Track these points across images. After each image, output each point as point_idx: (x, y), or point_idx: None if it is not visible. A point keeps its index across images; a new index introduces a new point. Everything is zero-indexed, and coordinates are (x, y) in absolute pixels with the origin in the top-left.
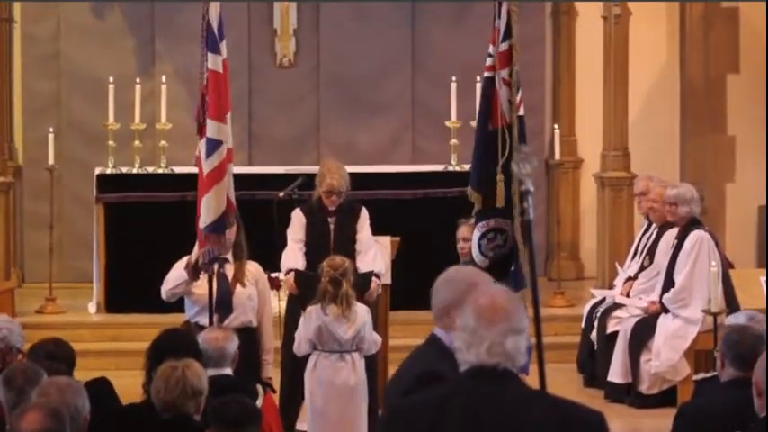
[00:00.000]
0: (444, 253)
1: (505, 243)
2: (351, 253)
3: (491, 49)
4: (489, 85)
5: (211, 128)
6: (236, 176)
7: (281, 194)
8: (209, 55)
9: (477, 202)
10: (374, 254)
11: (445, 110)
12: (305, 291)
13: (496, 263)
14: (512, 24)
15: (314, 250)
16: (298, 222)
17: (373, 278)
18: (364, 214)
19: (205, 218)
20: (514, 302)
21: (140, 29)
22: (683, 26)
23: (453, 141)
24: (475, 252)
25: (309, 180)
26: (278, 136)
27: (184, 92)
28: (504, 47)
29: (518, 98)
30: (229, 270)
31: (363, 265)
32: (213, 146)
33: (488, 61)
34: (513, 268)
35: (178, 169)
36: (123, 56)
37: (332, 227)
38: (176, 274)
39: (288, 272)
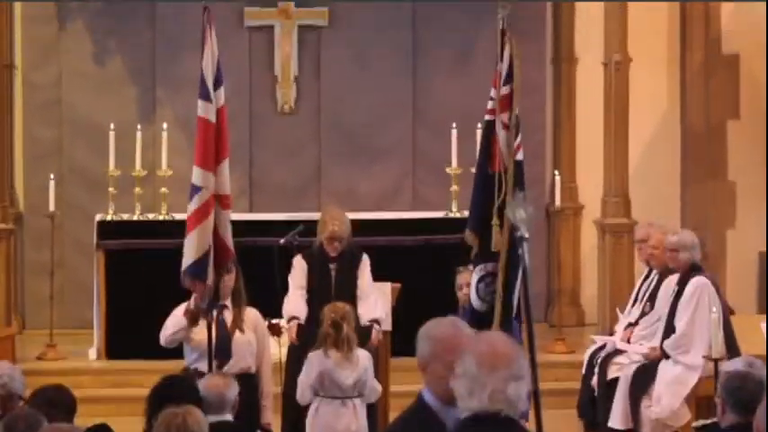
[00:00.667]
0: (444, 299)
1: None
2: (352, 299)
3: (492, 92)
4: (489, 128)
5: (195, 174)
6: (237, 223)
7: (282, 241)
8: (199, 102)
9: (474, 245)
10: (375, 299)
11: (445, 156)
12: (306, 341)
13: (494, 308)
14: (513, 68)
15: (315, 296)
16: (299, 269)
17: (374, 326)
18: (365, 261)
19: (185, 260)
20: (514, 349)
21: (141, 76)
22: (683, 72)
23: (454, 188)
24: (473, 296)
25: (310, 227)
26: (279, 182)
27: (185, 139)
28: (505, 90)
29: (516, 142)
30: (228, 316)
31: (364, 310)
32: (195, 191)
33: (489, 104)
34: (514, 315)
35: (179, 216)
36: (124, 103)
37: (333, 273)
38: (175, 320)
39: (290, 319)
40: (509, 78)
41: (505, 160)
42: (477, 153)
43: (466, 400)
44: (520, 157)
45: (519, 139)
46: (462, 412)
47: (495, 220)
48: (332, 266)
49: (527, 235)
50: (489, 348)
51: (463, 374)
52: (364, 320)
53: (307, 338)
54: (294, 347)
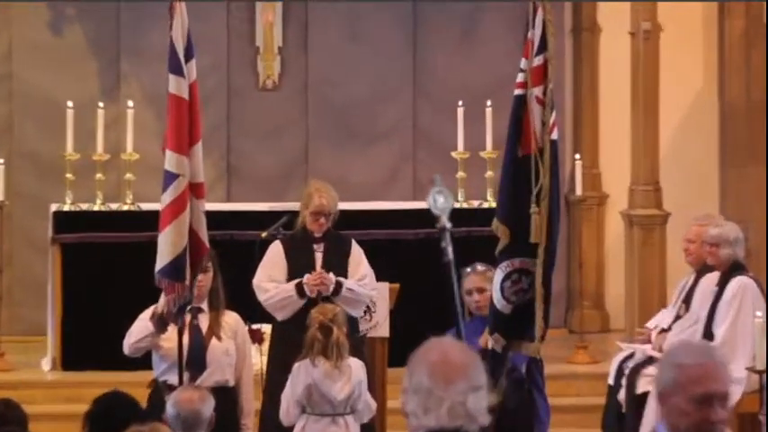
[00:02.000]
0: (450, 302)
1: (530, 287)
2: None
3: (523, 63)
4: (520, 104)
5: (169, 160)
6: (213, 214)
7: (264, 234)
8: (171, 77)
9: (504, 237)
10: (369, 280)
11: (451, 139)
12: (286, 347)
13: (520, 309)
14: (547, 36)
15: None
16: (275, 257)
17: (341, 283)
18: (357, 249)
19: (160, 259)
20: (469, 356)
21: (104, 47)
22: (721, 44)
23: (460, 174)
24: (497, 296)
25: (296, 218)
26: (260, 168)
27: (153, 118)
28: (537, 61)
29: (552, 119)
30: (203, 321)
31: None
32: (169, 179)
33: (520, 77)
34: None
35: (146, 206)
36: (84, 77)
37: (318, 255)
38: (141, 325)
39: (298, 285)
40: (542, 47)
41: (539, 140)
42: (508, 133)
43: (420, 418)
44: (555, 136)
45: (554, 115)
46: (417, 431)
47: (533, 208)
48: (317, 247)
49: (449, 225)
50: (441, 357)
51: (415, 390)
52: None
53: (288, 344)
54: (275, 357)
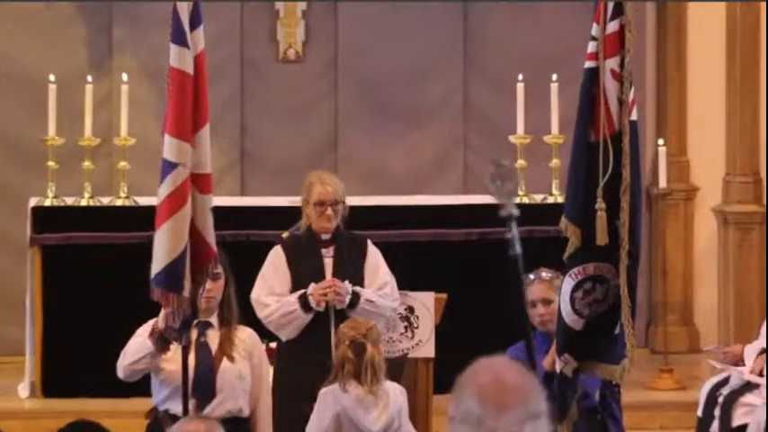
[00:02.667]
0: (508, 316)
1: (606, 297)
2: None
3: (594, 29)
4: (592, 79)
5: (168, 147)
6: (223, 211)
7: (285, 235)
8: (173, 48)
9: (574, 238)
10: (391, 290)
11: (509, 121)
12: (297, 368)
13: (593, 324)
14: None
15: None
16: (275, 265)
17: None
18: (375, 252)
19: (154, 265)
20: (527, 378)
21: (93, 11)
22: None
23: (520, 162)
24: (566, 308)
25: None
26: (280, 156)
27: (153, 95)
28: (612, 27)
29: (631, 97)
30: (212, 338)
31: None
32: (167, 169)
33: (591, 47)
34: (616, 331)
35: (144, 200)
36: (70, 47)
37: (328, 261)
38: (139, 343)
39: (301, 297)
40: (617, 11)
41: (616, 121)
42: (577, 114)
43: None
44: (635, 116)
45: (633, 92)
46: None
47: (599, 204)
48: (325, 252)
49: (516, 213)
50: (493, 379)
51: (462, 419)
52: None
53: (298, 364)
54: (284, 384)
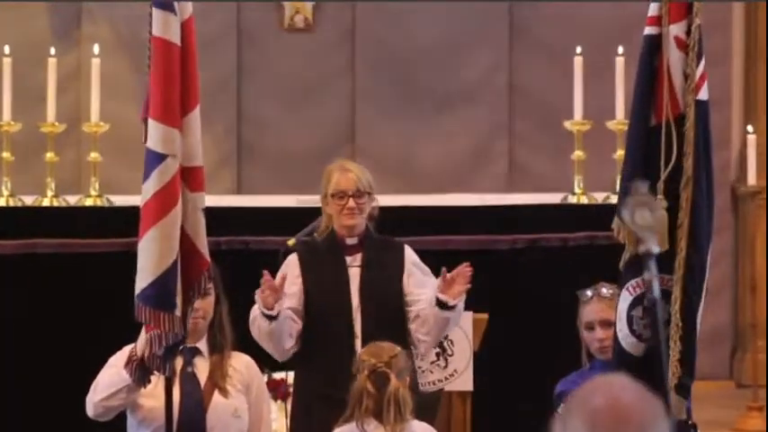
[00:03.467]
0: (563, 339)
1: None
2: (396, 320)
3: None
4: (652, 48)
5: (152, 134)
6: (217, 212)
7: (292, 242)
8: (155, 12)
9: (628, 243)
10: None
11: (563, 103)
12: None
13: (658, 350)
14: None
15: (321, 315)
16: (283, 274)
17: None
18: (414, 258)
19: (140, 279)
20: (649, 403)
21: None
22: None
23: (577, 154)
24: (623, 330)
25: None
26: (286, 146)
27: (130, 71)
28: None
29: (699, 71)
30: (202, 368)
31: (419, 325)
32: (154, 161)
33: (652, 9)
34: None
35: (120, 200)
36: (30, 14)
37: (353, 271)
38: (112, 375)
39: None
40: None
41: (681, 101)
42: (633, 92)
43: None
44: (704, 95)
45: (702, 65)
46: None
47: (659, 201)
48: (350, 260)
49: (656, 250)
50: (608, 403)
51: None
52: (419, 333)
53: (310, 399)
54: (296, 417)
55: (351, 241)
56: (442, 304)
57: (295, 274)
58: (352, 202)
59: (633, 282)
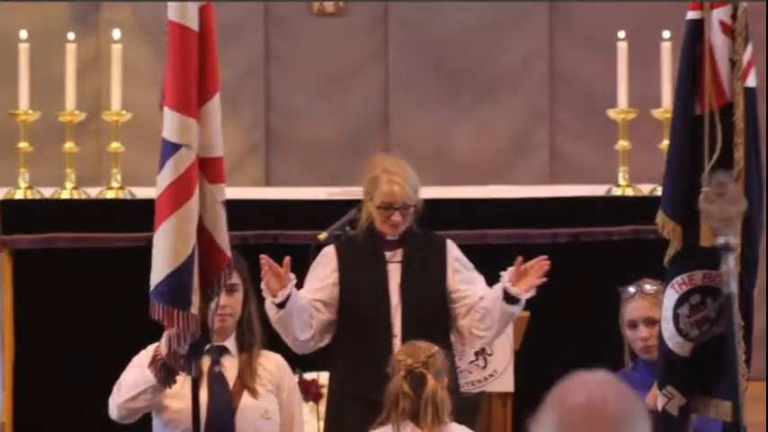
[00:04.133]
0: (606, 338)
1: (720, 315)
2: (437, 319)
3: None
4: (695, 33)
5: (168, 123)
6: (243, 205)
7: (323, 236)
8: None
9: (675, 238)
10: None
11: (607, 89)
12: (343, 407)
13: (705, 350)
14: None
15: (358, 312)
16: (323, 269)
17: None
18: (458, 254)
19: (154, 273)
20: (628, 402)
21: None
22: None
23: (622, 144)
24: (669, 330)
25: (359, 213)
26: (316, 135)
27: (153, 57)
28: None
29: (746, 57)
30: (230, 367)
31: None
32: (169, 151)
33: None
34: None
35: (142, 192)
36: None
37: (393, 267)
38: (137, 375)
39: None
40: None
41: (727, 89)
42: (677, 80)
43: None
44: (752, 82)
45: (749, 50)
46: None
47: (705, 192)
48: (390, 256)
49: (734, 243)
50: (584, 402)
51: None
52: (476, 329)
53: (344, 401)
54: (332, 420)
55: (390, 237)
56: (509, 297)
57: (331, 267)
58: (397, 216)
59: (679, 278)
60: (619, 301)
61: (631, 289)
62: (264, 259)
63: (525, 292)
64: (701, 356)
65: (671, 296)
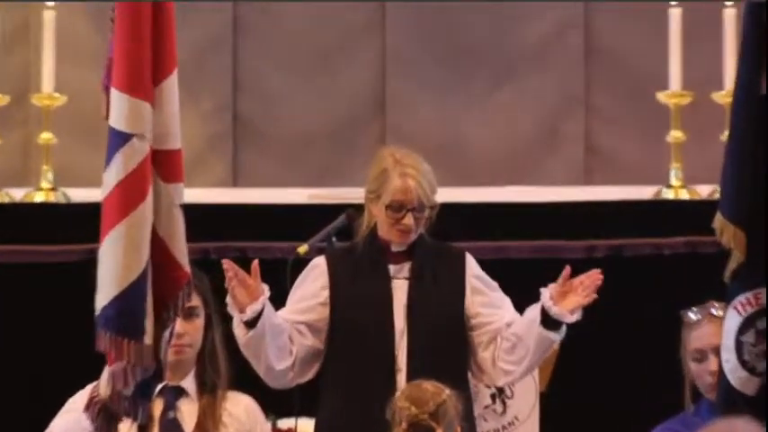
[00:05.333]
0: (657, 375)
1: None
2: (453, 350)
3: None
4: (757, 6)
5: (116, 107)
6: (204, 210)
7: (303, 249)
8: None
9: (735, 247)
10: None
11: (657, 69)
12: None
13: None
14: None
15: (353, 340)
16: (310, 282)
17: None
18: (478, 271)
19: (100, 294)
20: None
21: None
22: None
23: (674, 135)
24: (730, 360)
25: (358, 218)
26: (296, 124)
27: (93, 29)
28: None
29: None
30: (187, 413)
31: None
32: (117, 142)
33: None
34: None
35: (80, 194)
36: None
37: (399, 284)
38: (69, 421)
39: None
40: None
41: None
42: (739, 53)
43: None
44: None
45: None
46: None
47: None
48: (396, 271)
49: None
50: None
51: None
52: (503, 362)
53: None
54: None
55: (397, 247)
56: (548, 320)
57: (320, 283)
58: (410, 219)
59: (742, 297)
60: (678, 329)
61: (693, 313)
62: (228, 264)
63: (571, 313)
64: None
65: (733, 319)
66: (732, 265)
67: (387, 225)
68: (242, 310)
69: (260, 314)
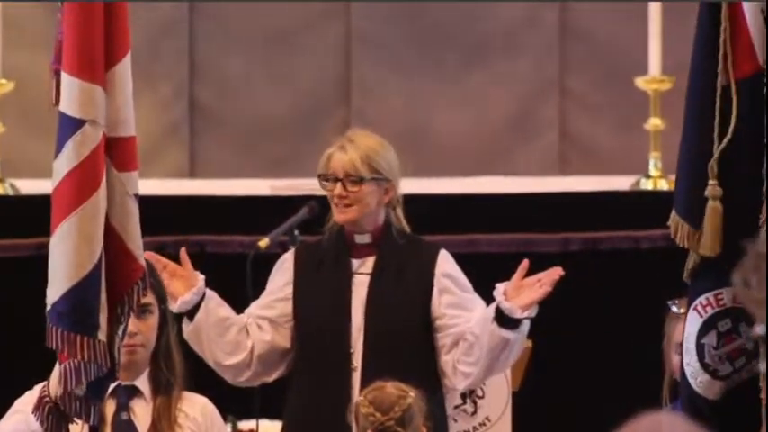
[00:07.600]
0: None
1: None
2: (415, 351)
3: None
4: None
5: (67, 92)
6: (159, 202)
7: (264, 243)
8: None
9: (690, 247)
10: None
11: (635, 52)
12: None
13: (741, 393)
14: None
15: (312, 338)
16: (279, 278)
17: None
18: (451, 266)
19: (51, 289)
20: None
21: None
22: None
23: (653, 122)
24: (692, 364)
25: (324, 209)
26: (255, 110)
27: (41, 8)
28: None
29: None
30: (141, 414)
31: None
32: (68, 129)
33: None
34: None
35: (29, 186)
36: None
37: (360, 279)
38: (17, 422)
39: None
40: None
41: (759, 54)
42: (694, 41)
43: None
44: None
45: None
46: None
47: (711, 188)
48: (358, 265)
49: None
50: None
51: None
52: (462, 364)
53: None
54: None
55: (361, 239)
56: (502, 317)
57: (285, 278)
58: (339, 189)
59: (703, 298)
60: (654, 326)
61: (675, 304)
62: (152, 257)
63: (522, 309)
64: (735, 401)
65: (693, 321)
66: (689, 264)
67: (336, 211)
68: (174, 299)
69: (198, 305)
